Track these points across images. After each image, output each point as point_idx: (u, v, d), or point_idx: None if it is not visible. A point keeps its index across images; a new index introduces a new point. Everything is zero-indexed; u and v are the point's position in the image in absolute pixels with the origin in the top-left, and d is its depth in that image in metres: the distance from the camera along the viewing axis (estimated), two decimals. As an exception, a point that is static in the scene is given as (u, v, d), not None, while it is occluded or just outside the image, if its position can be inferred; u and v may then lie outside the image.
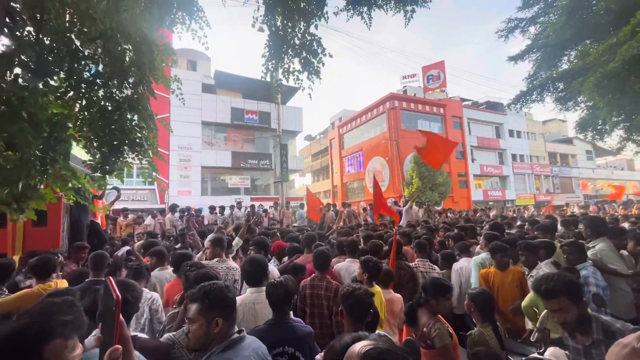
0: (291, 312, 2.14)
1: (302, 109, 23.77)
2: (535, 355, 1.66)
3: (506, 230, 5.26)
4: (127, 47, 2.72)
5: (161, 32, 3.05)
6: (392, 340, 1.01)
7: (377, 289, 2.71)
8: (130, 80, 2.88)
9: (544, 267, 2.91)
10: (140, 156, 2.96)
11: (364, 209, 11.83)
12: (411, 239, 4.52)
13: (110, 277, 0.77)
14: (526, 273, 3.09)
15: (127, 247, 5.27)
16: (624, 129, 8.65)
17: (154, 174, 3.19)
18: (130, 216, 8.24)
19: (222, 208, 9.95)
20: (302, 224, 10.18)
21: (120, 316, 0.75)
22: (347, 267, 3.35)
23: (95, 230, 5.20)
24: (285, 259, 3.98)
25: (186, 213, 8.88)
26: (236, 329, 1.48)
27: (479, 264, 3.45)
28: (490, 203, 24.04)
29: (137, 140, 2.90)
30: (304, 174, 35.21)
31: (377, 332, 2.01)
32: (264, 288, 2.27)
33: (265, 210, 11.60)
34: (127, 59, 2.73)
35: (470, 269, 3.56)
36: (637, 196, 18.31)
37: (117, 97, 2.79)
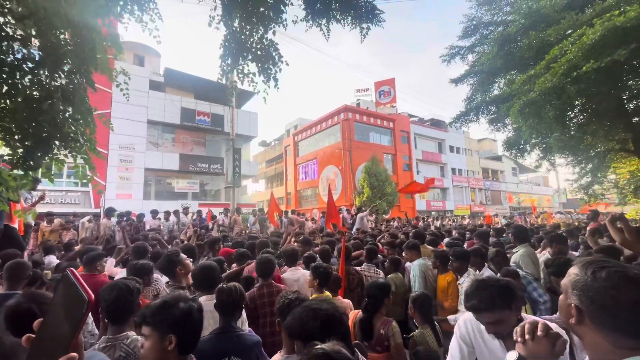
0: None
1: (257, 114, 23.40)
2: None
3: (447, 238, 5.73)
4: (65, 32, 2.45)
5: (107, 21, 2.80)
6: (339, 344, 1.04)
7: (327, 295, 2.76)
8: (65, 68, 2.59)
9: (485, 273, 3.15)
10: (74, 153, 2.64)
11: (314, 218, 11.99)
12: (363, 245, 4.68)
13: (74, 270, 0.65)
14: (457, 279, 3.31)
15: (52, 257, 4.65)
16: (541, 150, 10.02)
17: (89, 174, 2.87)
18: (57, 220, 7.28)
19: (167, 213, 9.27)
20: (254, 231, 9.94)
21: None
22: (291, 276, 3.37)
23: (10, 236, 4.49)
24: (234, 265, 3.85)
25: (125, 218, 8.14)
26: None
27: (422, 271, 3.68)
28: (433, 213, 25.87)
29: (72, 135, 2.60)
30: (257, 180, 34.50)
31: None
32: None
33: (214, 217, 11.08)
34: (64, 44, 2.45)
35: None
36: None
37: (47, 86, 2.48)
